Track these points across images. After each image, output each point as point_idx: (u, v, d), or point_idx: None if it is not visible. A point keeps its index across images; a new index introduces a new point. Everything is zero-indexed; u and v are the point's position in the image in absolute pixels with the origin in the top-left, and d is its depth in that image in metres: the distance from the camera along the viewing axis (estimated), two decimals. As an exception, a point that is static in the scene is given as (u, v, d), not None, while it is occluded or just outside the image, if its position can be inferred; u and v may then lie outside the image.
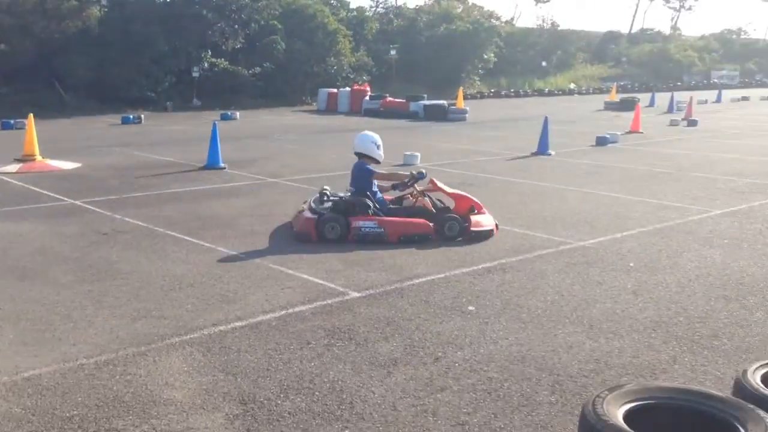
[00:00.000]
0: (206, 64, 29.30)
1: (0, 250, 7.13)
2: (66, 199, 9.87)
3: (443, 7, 45.23)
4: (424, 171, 8.19)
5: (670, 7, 78.88)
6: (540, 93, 42.10)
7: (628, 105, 28.25)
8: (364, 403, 4.02)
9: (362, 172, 8.00)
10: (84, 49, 26.67)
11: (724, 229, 8.41)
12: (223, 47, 30.11)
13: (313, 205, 7.95)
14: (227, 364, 4.51)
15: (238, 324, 5.18)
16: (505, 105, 33.10)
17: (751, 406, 2.89)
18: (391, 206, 8.09)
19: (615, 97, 32.78)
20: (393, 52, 36.02)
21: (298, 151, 15.37)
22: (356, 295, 5.88)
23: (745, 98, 37.92)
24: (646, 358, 4.68)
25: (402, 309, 5.55)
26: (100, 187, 10.77)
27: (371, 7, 48.21)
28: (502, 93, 39.86)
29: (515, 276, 6.48)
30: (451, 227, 7.69)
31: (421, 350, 4.77)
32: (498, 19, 47.17)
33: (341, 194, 8.21)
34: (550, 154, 14.93)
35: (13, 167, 12.32)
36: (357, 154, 8.24)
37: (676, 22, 79.07)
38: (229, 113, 23.85)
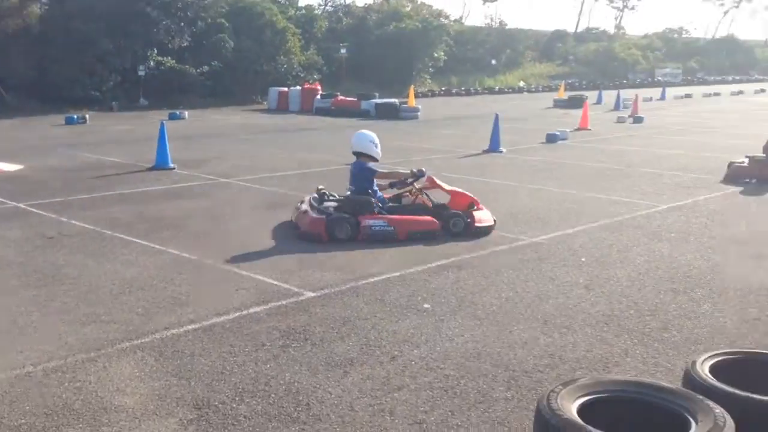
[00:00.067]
0: (152, 63, 28.75)
1: (-61, 256, 6.87)
2: (9, 202, 9.56)
3: (392, 5, 45.27)
4: (423, 169, 8.30)
5: (614, 7, 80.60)
6: (490, 91, 42.48)
7: (576, 102, 28.70)
8: (321, 404, 3.99)
9: (364, 171, 8.01)
10: (25, 47, 25.88)
11: (671, 223, 8.60)
12: (170, 46, 29.59)
13: (314, 203, 7.95)
14: (180, 368, 4.42)
15: (191, 327, 5.09)
16: (456, 103, 33.32)
17: (701, 396, 2.94)
18: (391, 204, 8.10)
19: (563, 94, 33.31)
20: (343, 51, 35.91)
21: (249, 151, 15.19)
22: (311, 295, 5.83)
23: (688, 95, 38.90)
24: (599, 351, 4.76)
25: (357, 308, 5.53)
26: (44, 189, 10.47)
27: (320, 5, 47.96)
28: (453, 91, 40.09)
29: (470, 273, 6.52)
30: (455, 224, 7.80)
31: (377, 349, 4.76)
32: (447, 17, 47.51)
33: (335, 194, 8.22)
34: (501, 152, 15.07)
35: (-48, 170, 11.90)
36: (355, 153, 8.23)
37: (620, 21, 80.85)
38: (177, 113, 23.44)
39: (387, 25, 40.32)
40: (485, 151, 15.17)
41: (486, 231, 7.88)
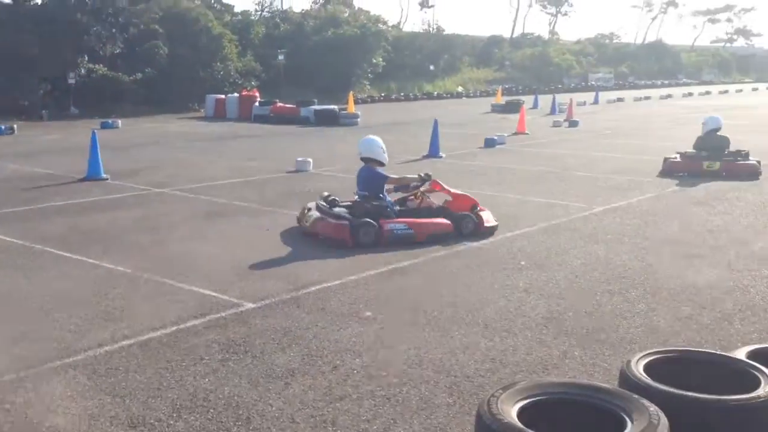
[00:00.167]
0: (83, 71, 27.99)
1: None
2: (-69, 216, 9.15)
3: (330, 11, 45.17)
4: (430, 173, 8.58)
5: (547, 13, 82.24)
6: (429, 96, 42.78)
7: (513, 107, 29.14)
8: (262, 417, 3.92)
9: (376, 177, 8.20)
10: (-52, 55, 24.89)
11: (606, 225, 8.80)
12: (101, 53, 28.87)
13: (325, 209, 8.05)
14: (114, 386, 4.29)
15: (126, 343, 4.94)
16: (396, 108, 33.45)
17: (636, 395, 3.00)
18: (398, 208, 8.23)
19: (501, 99, 33.76)
20: (281, 57, 35.62)
21: (185, 160, 14.91)
22: (251, 306, 5.74)
23: (620, 99, 39.95)
24: (539, 354, 4.81)
25: (298, 318, 5.47)
26: (-31, 203, 10.05)
27: (256, 11, 47.54)
28: (393, 97, 40.22)
29: (411, 279, 6.52)
30: (466, 225, 8.07)
31: (319, 359, 4.71)
32: (385, 23, 47.53)
33: (337, 199, 8.29)
34: (441, 157, 15.18)
35: None
36: (364, 158, 8.38)
37: (554, 26, 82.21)
38: (110, 121, 22.84)
39: (325, 31, 40.21)
40: (425, 157, 15.25)
41: (491, 231, 8.19)
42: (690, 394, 3.01)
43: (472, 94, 45.55)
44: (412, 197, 8.50)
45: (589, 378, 4.36)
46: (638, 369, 3.26)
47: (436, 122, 15.79)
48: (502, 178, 12.51)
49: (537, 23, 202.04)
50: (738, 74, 76.51)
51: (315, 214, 8.09)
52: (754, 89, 55.30)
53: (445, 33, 58.44)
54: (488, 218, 8.28)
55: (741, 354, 3.50)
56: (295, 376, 4.44)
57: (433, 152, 15.38)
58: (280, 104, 26.20)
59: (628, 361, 3.35)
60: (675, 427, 2.83)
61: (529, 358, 4.74)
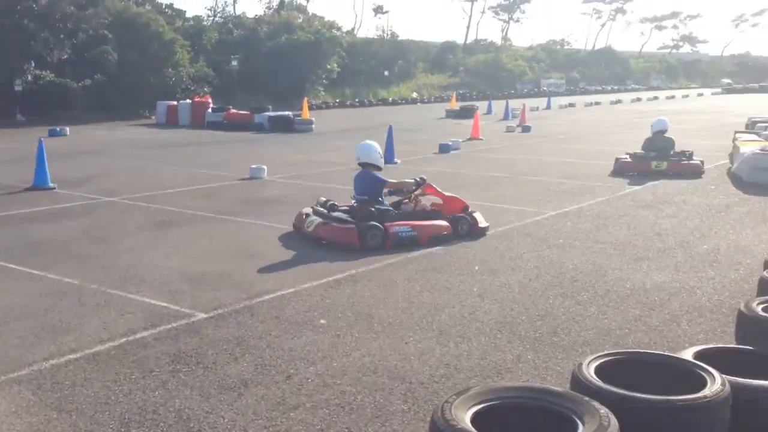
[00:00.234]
0: (30, 77, 27.34)
1: None
2: None
3: (284, 17, 44.99)
4: (425, 177, 8.78)
5: (500, 19, 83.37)
6: (384, 102, 42.92)
7: (467, 113, 29.41)
8: (213, 429, 3.85)
9: (375, 181, 8.36)
10: None
11: (558, 230, 8.91)
12: (49, 59, 28.25)
13: (325, 213, 8.16)
14: (61, 400, 4.17)
15: (73, 356, 4.82)
16: (351, 115, 33.47)
17: (587, 398, 3.03)
18: (395, 211, 8.37)
19: (455, 105, 34.06)
20: (234, 63, 35.35)
21: (136, 168, 14.65)
22: (203, 316, 5.65)
23: (571, 105, 40.67)
24: (493, 359, 4.83)
25: (252, 327, 5.40)
26: None
27: (209, 16, 47.12)
28: (347, 103, 40.24)
29: (365, 286, 6.50)
30: (462, 226, 8.33)
31: (272, 369, 4.65)
32: (339, 29, 47.45)
33: (330, 203, 8.38)
34: (396, 163, 15.20)
35: None
36: (362, 164, 8.55)
37: (506, 33, 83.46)
38: (57, 129, 22.30)
39: (279, 37, 40.01)
40: (380, 163, 15.25)
41: (484, 231, 8.47)
42: (639, 395, 3.05)
43: (426, 100, 45.85)
44: (407, 200, 8.65)
45: (543, 381, 4.40)
46: (589, 372, 3.29)
47: (390, 128, 15.83)
48: (456, 184, 12.56)
49: (490, 29, 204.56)
50: (684, 80, 78.66)
51: (316, 219, 8.18)
52: (700, 94, 56.88)
53: (399, 39, 58.80)
54: (481, 219, 8.56)
55: (688, 354, 3.57)
56: (248, 387, 4.37)
57: (388, 158, 15.34)
58: (233, 111, 25.97)
59: (580, 364, 3.38)
60: (625, 428, 2.87)
61: (483, 363, 4.76)
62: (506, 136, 22.45)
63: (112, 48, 29.76)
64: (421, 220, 8.20)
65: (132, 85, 29.57)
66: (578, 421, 2.89)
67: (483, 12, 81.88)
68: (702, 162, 13.82)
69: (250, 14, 50.40)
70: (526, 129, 23.96)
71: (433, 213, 8.44)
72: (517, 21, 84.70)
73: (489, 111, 33.08)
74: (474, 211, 8.64)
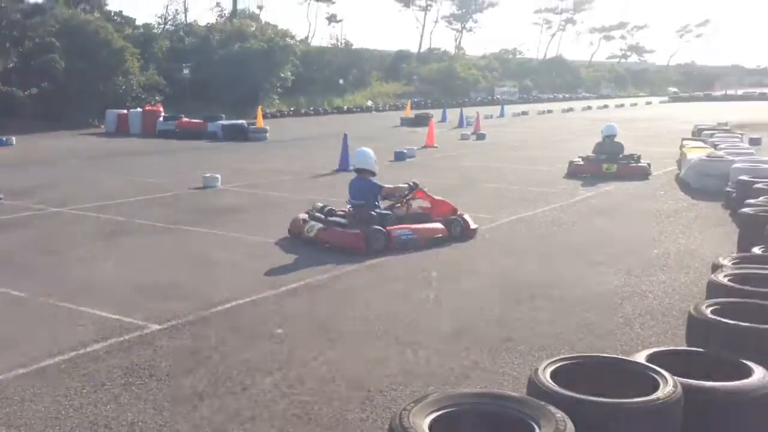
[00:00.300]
0: (-27, 86, 26.60)
1: None
2: None
3: (236, 25, 44.55)
4: (417, 181, 9.05)
5: (453, 29, 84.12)
6: (339, 111, 42.87)
7: (422, 121, 29.56)
8: (168, 444, 3.77)
9: (372, 187, 8.58)
10: None
11: (513, 236, 8.99)
12: (-6, 67, 27.54)
13: (323, 218, 8.35)
14: (9, 416, 4.05)
15: (21, 371, 4.67)
16: (306, 123, 33.35)
17: (543, 403, 3.04)
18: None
19: (410, 113, 34.21)
20: (186, 71, 34.91)
21: (85, 178, 14.33)
22: (156, 327, 5.54)
23: (524, 113, 41.22)
24: (451, 365, 4.84)
25: (207, 338, 5.32)
26: None
27: (159, 24, 46.45)
28: (302, 111, 40.08)
29: (323, 294, 6.47)
30: (455, 228, 8.63)
31: (228, 380, 4.58)
32: (293, 37, 47.18)
33: (328, 209, 8.59)
34: (351, 170, 15.17)
35: None
36: (357, 170, 8.80)
37: (459, 42, 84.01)
38: (3, 138, 21.71)
39: (231, 45, 39.63)
40: (336, 171, 15.23)
41: (473, 233, 8.79)
42: (593, 398, 3.08)
43: (381, 108, 45.96)
44: (399, 204, 8.84)
45: (500, 387, 4.42)
46: (545, 376, 3.31)
47: (346, 136, 15.80)
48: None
49: (443, 38, 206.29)
50: (633, 88, 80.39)
51: (317, 224, 8.32)
52: (648, 103, 58.21)
53: (353, 47, 58.80)
54: (471, 221, 8.86)
55: (641, 357, 3.62)
56: (203, 399, 4.30)
57: (344, 167, 15.35)
58: (186, 119, 25.64)
59: (536, 369, 3.40)
60: (581, 431, 2.89)
61: (440, 370, 4.77)
62: (461, 144, 22.62)
63: (59, 56, 29.12)
64: (416, 223, 8.46)
65: (80, 94, 28.96)
66: (535, 426, 2.90)
67: (436, 21, 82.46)
68: (648, 164, 14.63)
69: (202, 22, 49.73)
70: (480, 137, 24.19)
71: (423, 216, 8.69)
72: (470, 30, 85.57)
73: (444, 119, 33.31)
74: (463, 214, 8.90)
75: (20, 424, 3.96)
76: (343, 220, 8.29)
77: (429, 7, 79.53)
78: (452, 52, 73.73)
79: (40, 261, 7.62)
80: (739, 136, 19.66)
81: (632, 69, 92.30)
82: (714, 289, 4.77)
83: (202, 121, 25.22)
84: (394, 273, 7.19)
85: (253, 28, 44.33)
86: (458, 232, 8.63)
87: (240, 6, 56.90)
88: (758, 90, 75.23)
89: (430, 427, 2.91)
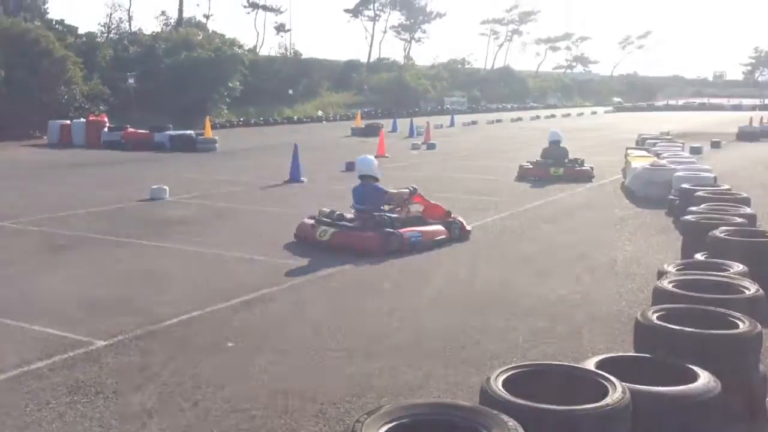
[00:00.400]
0: None
1: None
2: None
3: (182, 33, 43.99)
4: (416, 186, 9.58)
5: (402, 39, 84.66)
6: (290, 121, 42.67)
7: (372, 131, 29.62)
8: (116, 463, 3.67)
9: (377, 192, 8.96)
10: None
11: (464, 245, 9.05)
12: (-73, 77, 26.59)
13: (328, 220, 8.75)
14: (-54, 441, 3.89)
15: (-41, 392, 4.50)
16: (256, 133, 33.10)
17: (496, 411, 3.05)
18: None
19: (360, 123, 34.25)
20: (131, 81, 34.30)
21: (27, 190, 13.92)
22: (102, 344, 5.40)
23: (474, 122, 41.67)
24: (404, 376, 4.84)
25: (155, 354, 5.20)
26: None
27: (102, 32, 45.61)
28: (252, 121, 39.78)
29: (275, 306, 6.40)
30: (454, 230, 9.11)
31: (177, 396, 4.49)
32: (241, 47, 46.82)
33: (337, 213, 8.96)
34: (302, 181, 15.11)
35: None
36: (362, 176, 9.14)
37: (408, 52, 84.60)
38: (-59, 150, 21.04)
39: (178, 54, 39.13)
40: (286, 182, 15.13)
41: (468, 235, 9.27)
42: (544, 406, 3.10)
43: (332, 118, 45.92)
44: (399, 208, 9.18)
45: (453, 397, 4.43)
46: (497, 385, 3.33)
47: (296, 146, 15.71)
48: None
49: (392, 48, 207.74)
50: (579, 98, 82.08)
51: (329, 228, 8.59)
52: (593, 112, 59.49)
53: (303, 57, 58.65)
54: (465, 223, 9.39)
55: (590, 364, 3.67)
56: (152, 416, 4.20)
57: (294, 177, 15.29)
58: (131, 130, 25.18)
59: (488, 378, 3.41)
60: (534, 439, 2.91)
61: (394, 381, 4.76)
62: (412, 154, 22.72)
63: (-1, 66, 28.32)
64: (414, 225, 8.81)
65: (21, 104, 28.17)
66: (488, 435, 2.91)
67: (385, 31, 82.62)
68: (592, 168, 15.80)
69: (147, 31, 48.99)
70: (431, 146, 24.35)
71: (420, 219, 9.08)
72: (419, 41, 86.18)
73: (394, 129, 33.44)
74: (457, 216, 9.36)
75: (-42, 447, 3.81)
76: (351, 224, 8.67)
77: (378, 18, 79.97)
78: (402, 62, 74.18)
79: (-20, 277, 7.36)
80: (681, 145, 20.22)
81: (578, 79, 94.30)
82: (660, 296, 4.87)
83: (148, 131, 24.80)
84: (347, 284, 7.16)
85: (200, 37, 43.87)
86: (457, 233, 9.10)
87: (186, 15, 56.39)
88: (698, 100, 77.67)
89: (384, 440, 2.89)
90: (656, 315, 4.25)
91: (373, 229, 8.44)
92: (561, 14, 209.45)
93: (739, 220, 7.64)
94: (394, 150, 22.72)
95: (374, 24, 79.88)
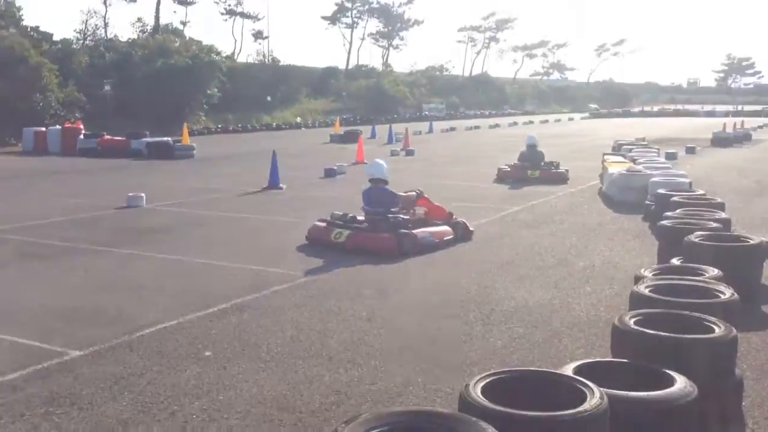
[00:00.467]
0: None
1: None
2: None
3: (159, 40, 43.72)
4: (421, 189, 10.08)
5: (380, 46, 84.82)
6: (268, 127, 42.54)
7: (351, 137, 29.61)
8: (91, 476, 3.62)
9: (389, 195, 9.28)
10: None
11: (443, 251, 9.05)
12: None
13: (341, 222, 9.06)
14: None
15: (-70, 405, 4.41)
16: (234, 140, 32.94)
17: (474, 418, 3.05)
18: None
19: (339, 129, 34.22)
20: (107, 88, 34.02)
21: (0, 198, 13.74)
22: (77, 354, 5.32)
23: (452, 129, 41.80)
24: (383, 384, 4.82)
25: (131, 364, 5.14)
26: None
27: (78, 39, 45.20)
28: (231, 128, 39.59)
29: (252, 315, 6.35)
30: (458, 230, 9.50)
31: (154, 406, 4.44)
32: (218, 54, 46.62)
33: (350, 216, 9.28)
34: (281, 188, 15.06)
35: None
36: (373, 180, 9.43)
37: (386, 59, 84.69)
38: None
39: (155, 61, 38.87)
40: (265, 188, 15.07)
41: (470, 235, 9.69)
42: (523, 412, 3.11)
43: (311, 125, 45.85)
44: (405, 210, 9.44)
45: (433, 404, 4.43)
46: (476, 392, 3.33)
47: (274, 153, 15.66)
48: (343, 208, 12.55)
49: (370, 55, 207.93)
50: (556, 105, 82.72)
51: (344, 231, 8.85)
52: (570, 119, 60.00)
53: (281, 64, 58.54)
54: (468, 224, 9.80)
55: (569, 370, 3.68)
56: (128, 426, 4.15)
57: (274, 183, 15.23)
58: (108, 137, 24.96)
59: (466, 385, 3.41)
60: (512, 446, 2.91)
61: (373, 389, 4.74)
62: (391, 160, 22.54)
63: (-27, 73, 27.98)
64: (419, 227, 9.11)
65: (-4, 111, 27.85)
66: (466, 443, 2.91)
67: (363, 38, 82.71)
68: (567, 170, 16.68)
69: (123, 37, 48.63)
70: (409, 153, 24.39)
71: (425, 221, 9.41)
72: (397, 48, 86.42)
73: (373, 135, 33.46)
74: (457, 218, 9.75)
75: (-71, 461, 3.74)
76: (363, 226, 8.97)
77: (355, 25, 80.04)
78: (380, 69, 74.31)
79: (-48, 287, 7.25)
80: (656, 150, 20.45)
81: (555, 86, 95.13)
82: (637, 300, 4.91)
83: (125, 138, 24.60)
84: (325, 290, 7.13)
85: (177, 44, 43.60)
86: (461, 234, 9.51)
87: (162, 21, 56.07)
88: (672, 106, 78.64)
89: (362, 449, 2.88)
90: (633, 320, 4.28)
91: (388, 231, 8.71)
92: (537, 22, 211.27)
93: (714, 224, 7.72)
94: (373, 156, 22.63)
95: (352, 31, 80.00)
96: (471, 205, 12.87)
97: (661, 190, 10.90)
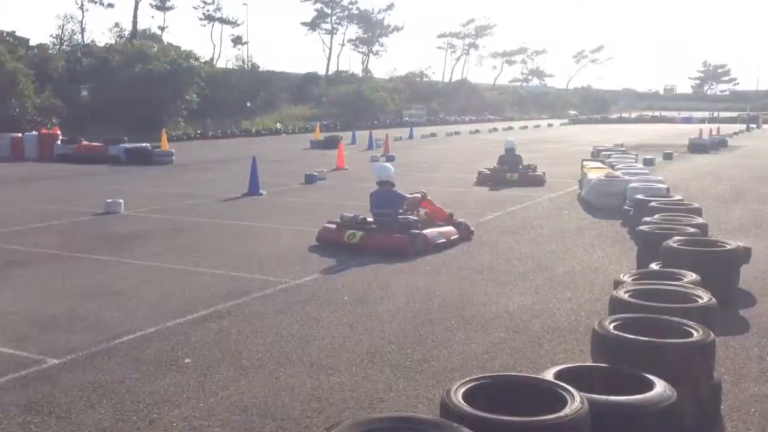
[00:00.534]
0: None
1: None
2: None
3: (137, 46, 43.44)
4: (425, 191, 10.47)
5: (360, 52, 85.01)
6: (248, 133, 42.35)
7: (332, 143, 29.59)
8: (69, 486, 3.57)
9: (397, 197, 9.67)
10: None
11: (424, 257, 9.04)
12: None
13: (351, 224, 9.36)
14: None
15: None
16: (214, 146, 32.78)
17: (456, 424, 3.06)
18: None
19: (320, 135, 34.16)
20: (85, 93, 33.75)
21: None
22: (55, 362, 5.26)
23: (433, 135, 41.88)
24: (365, 390, 4.81)
25: (110, 371, 5.09)
26: None
27: (55, 44, 44.83)
28: (210, 134, 39.38)
29: (233, 321, 6.32)
30: (461, 230, 9.90)
31: (133, 414, 4.40)
32: (197, 59, 46.38)
33: (361, 217, 9.57)
34: (261, 194, 15.00)
35: None
36: (381, 182, 9.76)
37: (366, 65, 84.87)
38: None
39: (133, 67, 38.60)
40: (245, 194, 15.00)
41: (471, 235, 10.07)
42: (504, 417, 3.12)
43: (291, 131, 45.73)
44: (410, 211, 9.74)
45: (414, 410, 4.42)
46: (457, 397, 3.33)
47: (254, 159, 15.60)
48: (324, 214, 12.51)
49: (350, 61, 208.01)
50: (535, 111, 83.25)
51: (358, 232, 9.19)
52: (550, 125, 60.38)
53: (260, 70, 58.39)
54: (470, 225, 10.23)
55: (549, 375, 3.70)
56: (107, 436, 4.11)
57: (254, 189, 15.17)
58: (86, 143, 24.73)
59: (448, 390, 3.42)
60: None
61: (355, 395, 4.73)
62: (371, 166, 22.68)
63: (-53, 78, 27.66)
64: (432, 227, 9.51)
65: (-29, 117, 27.54)
66: (447, 448, 2.91)
67: (342, 44, 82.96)
68: (544, 173, 17.24)
69: (101, 43, 48.27)
70: (390, 158, 24.36)
71: (429, 222, 9.73)
72: (377, 54, 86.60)
73: (353, 141, 33.46)
74: (458, 218, 10.13)
75: None
76: (373, 227, 9.30)
77: (335, 31, 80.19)
78: (360, 75, 74.41)
79: (-74, 295, 7.13)
80: (635, 156, 20.64)
81: (534, 92, 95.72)
82: (616, 305, 4.95)
83: (102, 144, 24.39)
84: (306, 297, 7.11)
85: (155, 49, 43.36)
86: (464, 234, 9.88)
87: (140, 26, 55.79)
88: (650, 113, 79.50)
89: (344, 455, 2.87)
90: (613, 325, 4.31)
91: (399, 231, 9.06)
92: (517, 29, 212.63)
93: (692, 230, 7.81)
94: (353, 162, 22.72)
95: (332, 37, 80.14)
96: (450, 210, 12.88)
97: (639, 196, 11.00)
